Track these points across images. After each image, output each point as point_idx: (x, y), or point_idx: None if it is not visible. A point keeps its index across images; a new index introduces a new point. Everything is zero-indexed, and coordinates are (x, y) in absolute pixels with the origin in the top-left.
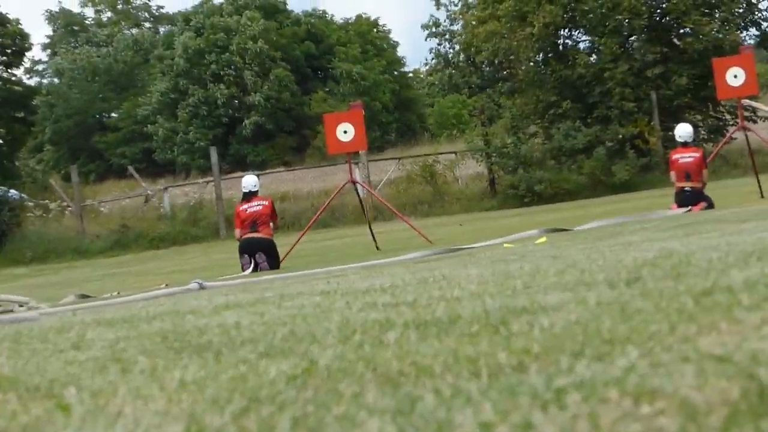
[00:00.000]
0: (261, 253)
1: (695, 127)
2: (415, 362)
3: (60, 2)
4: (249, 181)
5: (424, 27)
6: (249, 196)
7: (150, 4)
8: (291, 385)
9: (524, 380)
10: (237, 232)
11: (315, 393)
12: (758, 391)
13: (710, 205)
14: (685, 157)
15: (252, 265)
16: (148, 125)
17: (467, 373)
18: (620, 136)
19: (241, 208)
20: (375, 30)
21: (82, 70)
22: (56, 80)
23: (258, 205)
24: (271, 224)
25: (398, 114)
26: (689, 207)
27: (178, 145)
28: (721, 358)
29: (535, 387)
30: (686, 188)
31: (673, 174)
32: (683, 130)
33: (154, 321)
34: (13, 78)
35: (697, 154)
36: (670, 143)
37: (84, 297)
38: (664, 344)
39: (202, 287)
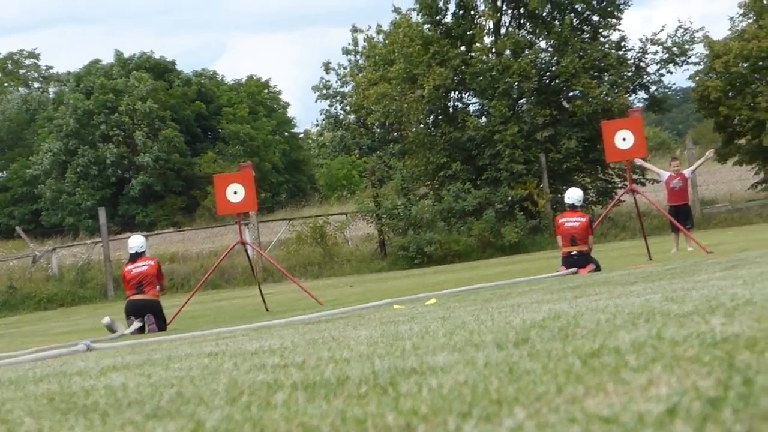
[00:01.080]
0: (149, 315)
1: (584, 189)
2: (302, 423)
3: None
4: (135, 241)
5: (315, 89)
6: (135, 257)
7: (39, 64)
8: None
9: None
10: (127, 293)
11: None
12: None
13: (597, 268)
14: (571, 221)
15: (137, 326)
16: (38, 186)
17: None
18: (509, 198)
19: (126, 269)
20: (266, 91)
21: None
22: None
23: (143, 265)
24: (157, 286)
25: (288, 175)
26: (576, 269)
27: (65, 206)
28: (607, 419)
29: None
30: (573, 252)
31: (559, 238)
32: (573, 194)
33: (41, 382)
34: None
35: (583, 219)
36: (559, 206)
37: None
38: (552, 405)
39: (89, 349)
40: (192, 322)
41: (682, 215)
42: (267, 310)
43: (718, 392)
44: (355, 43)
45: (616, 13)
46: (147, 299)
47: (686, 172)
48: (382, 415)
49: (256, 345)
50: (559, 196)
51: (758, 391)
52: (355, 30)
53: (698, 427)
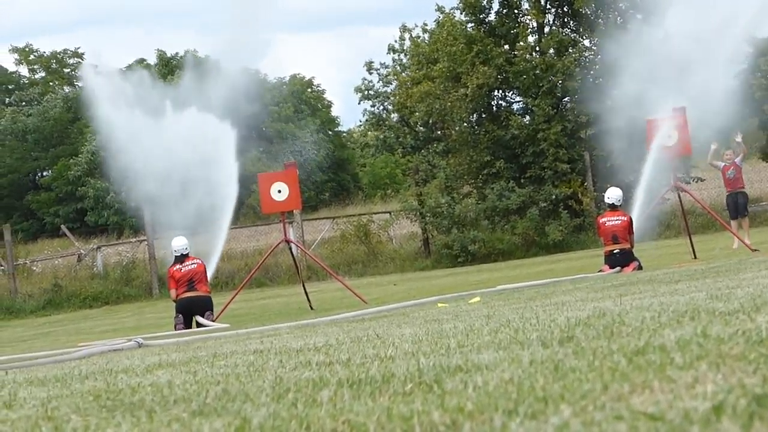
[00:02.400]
0: (208, 312)
1: (628, 187)
2: (348, 420)
3: None
4: (179, 243)
5: (357, 90)
6: (181, 259)
7: (84, 63)
8: None
9: None
10: (172, 292)
11: None
12: None
13: (639, 266)
14: (612, 220)
15: (185, 326)
16: (80, 187)
17: None
18: (553, 197)
19: (174, 269)
20: (309, 90)
21: (10, 130)
22: None
23: (192, 263)
24: (207, 280)
25: (332, 173)
26: (619, 268)
27: (110, 205)
28: (653, 416)
29: None
30: (615, 251)
31: (601, 239)
32: (613, 194)
33: (87, 380)
34: None
35: (624, 218)
36: (603, 204)
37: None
38: (598, 403)
39: (140, 345)
40: (236, 320)
41: (740, 203)
42: (311, 308)
43: (765, 390)
44: (402, 41)
45: (660, 11)
46: (200, 296)
47: (737, 160)
48: (428, 412)
49: (301, 342)
50: (604, 194)
51: None
52: (404, 29)
53: (745, 424)
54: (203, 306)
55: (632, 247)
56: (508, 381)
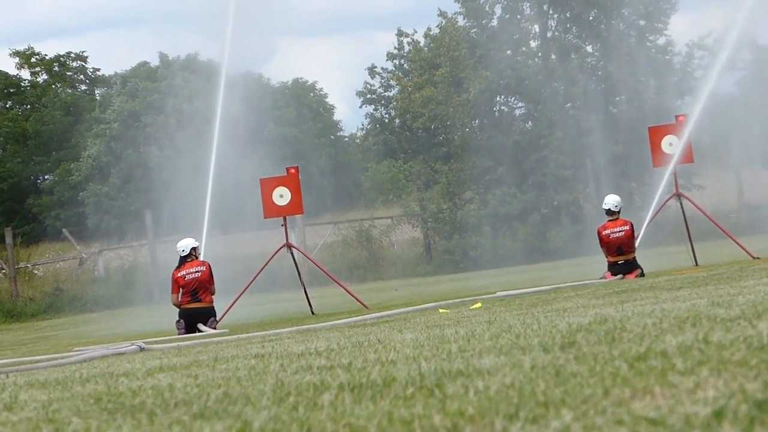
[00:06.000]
0: (212, 319)
1: (629, 195)
2: (349, 424)
3: None
4: (186, 243)
5: (359, 94)
6: (187, 260)
7: (86, 66)
8: None
9: None
10: (174, 297)
11: None
12: None
13: (642, 273)
14: (616, 232)
15: (186, 332)
16: (81, 192)
17: None
18: (555, 203)
19: (179, 275)
20: (311, 94)
21: (12, 134)
22: None
23: (197, 271)
24: (212, 284)
25: (334, 178)
26: (622, 275)
27: (109, 210)
28: (654, 421)
29: None
30: (619, 261)
31: (604, 250)
32: (610, 200)
33: (88, 383)
34: None
35: (627, 227)
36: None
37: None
38: (599, 407)
39: (142, 349)
40: (238, 325)
41: None
42: (313, 313)
43: (766, 395)
44: (400, 47)
45: (663, 18)
46: (203, 307)
47: None
48: (429, 416)
49: (302, 347)
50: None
51: None
52: (400, 34)
53: (746, 428)
54: (206, 316)
55: (634, 253)
56: (510, 386)
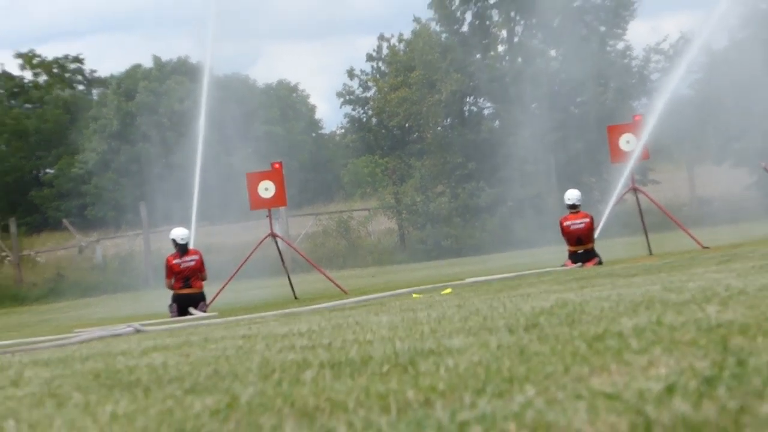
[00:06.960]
0: (202, 303)
1: (589, 189)
2: (330, 398)
3: (2, 65)
4: (182, 232)
5: (339, 95)
6: (183, 249)
7: (84, 68)
8: (214, 418)
9: (430, 415)
10: (168, 281)
11: (237, 426)
12: (645, 425)
13: (600, 262)
14: (576, 224)
15: (178, 315)
16: (84, 185)
17: (378, 409)
18: (521, 197)
19: (174, 262)
20: (294, 94)
21: (15, 131)
22: None
23: (191, 260)
24: (204, 272)
25: (315, 173)
26: (581, 263)
27: (109, 202)
28: (611, 395)
29: (441, 421)
30: (579, 251)
31: (565, 239)
32: (572, 195)
33: (87, 361)
34: None
35: (587, 219)
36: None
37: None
38: (559, 383)
39: (137, 331)
40: (226, 308)
41: None
42: (296, 297)
43: (713, 372)
44: (380, 50)
45: (622, 24)
46: (194, 292)
47: None
48: (403, 391)
49: (285, 329)
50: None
51: (750, 372)
52: (382, 38)
53: (695, 402)
54: (197, 300)
55: (593, 243)
56: (477, 363)
